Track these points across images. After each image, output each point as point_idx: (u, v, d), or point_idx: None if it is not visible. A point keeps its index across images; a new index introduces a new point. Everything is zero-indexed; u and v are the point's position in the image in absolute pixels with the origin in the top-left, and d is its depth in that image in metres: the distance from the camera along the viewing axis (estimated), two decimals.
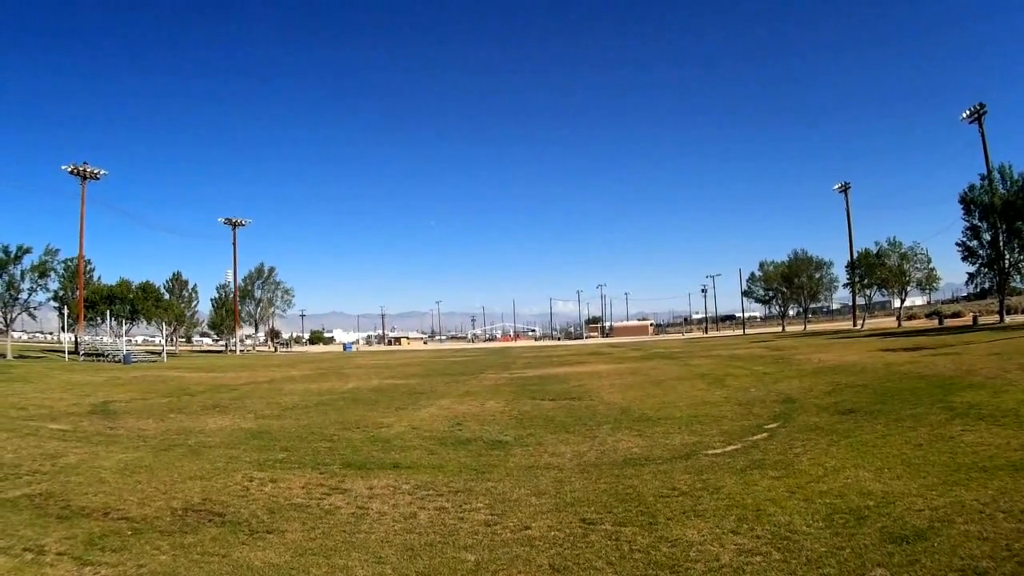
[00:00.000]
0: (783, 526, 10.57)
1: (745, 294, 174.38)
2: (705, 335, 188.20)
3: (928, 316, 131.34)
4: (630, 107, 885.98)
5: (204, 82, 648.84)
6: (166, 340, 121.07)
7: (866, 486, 12.58)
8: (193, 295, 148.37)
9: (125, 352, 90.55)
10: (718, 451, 17.26)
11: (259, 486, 15.25)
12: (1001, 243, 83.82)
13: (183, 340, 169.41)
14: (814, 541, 9.78)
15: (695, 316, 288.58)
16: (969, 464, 13.49)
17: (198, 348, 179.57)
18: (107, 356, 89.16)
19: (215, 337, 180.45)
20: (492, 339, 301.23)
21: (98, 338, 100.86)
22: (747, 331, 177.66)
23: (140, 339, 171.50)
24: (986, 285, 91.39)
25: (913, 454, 14.95)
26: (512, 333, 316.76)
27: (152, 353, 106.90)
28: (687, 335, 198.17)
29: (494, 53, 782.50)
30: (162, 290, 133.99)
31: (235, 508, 13.29)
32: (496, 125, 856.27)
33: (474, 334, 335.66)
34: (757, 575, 8.77)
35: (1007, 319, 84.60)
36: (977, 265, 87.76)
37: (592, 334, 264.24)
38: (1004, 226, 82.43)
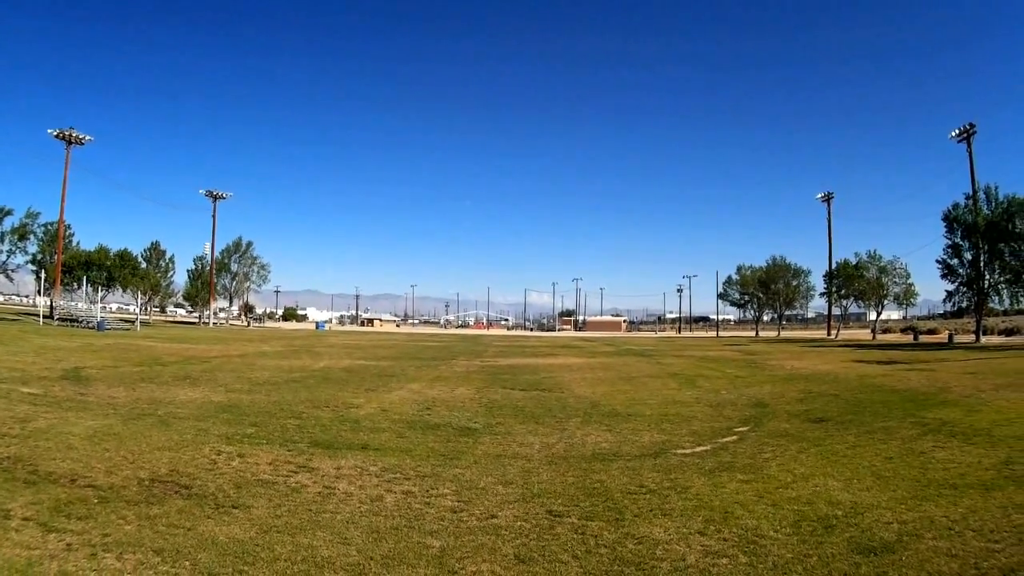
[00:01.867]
0: (750, 530, 10.57)
1: (720, 297, 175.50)
2: (678, 335, 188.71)
3: (903, 331, 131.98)
4: (616, 105, 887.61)
5: (192, 55, 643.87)
6: (141, 309, 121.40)
7: (835, 495, 12.61)
8: (170, 265, 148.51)
9: (100, 319, 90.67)
10: (687, 451, 17.28)
11: (227, 460, 15.18)
12: (982, 263, 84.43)
13: (157, 310, 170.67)
14: (781, 547, 9.79)
15: (669, 315, 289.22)
16: (940, 480, 13.54)
17: (172, 319, 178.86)
18: (81, 322, 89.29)
19: (189, 308, 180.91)
20: (465, 326, 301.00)
21: (73, 303, 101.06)
22: (720, 334, 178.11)
23: (115, 307, 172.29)
24: (964, 304, 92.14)
25: (883, 466, 15.00)
26: (485, 321, 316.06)
27: (126, 321, 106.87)
28: (660, 334, 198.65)
29: (479, 40, 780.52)
30: (139, 259, 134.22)
31: (202, 481, 13.23)
32: (479, 114, 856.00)
33: (447, 320, 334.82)
34: None
35: (983, 339, 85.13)
36: (956, 283, 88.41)
37: (565, 327, 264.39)
38: (986, 246, 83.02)
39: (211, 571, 8.69)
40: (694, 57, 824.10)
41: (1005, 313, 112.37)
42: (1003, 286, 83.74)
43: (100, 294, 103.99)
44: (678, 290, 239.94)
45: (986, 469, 14.37)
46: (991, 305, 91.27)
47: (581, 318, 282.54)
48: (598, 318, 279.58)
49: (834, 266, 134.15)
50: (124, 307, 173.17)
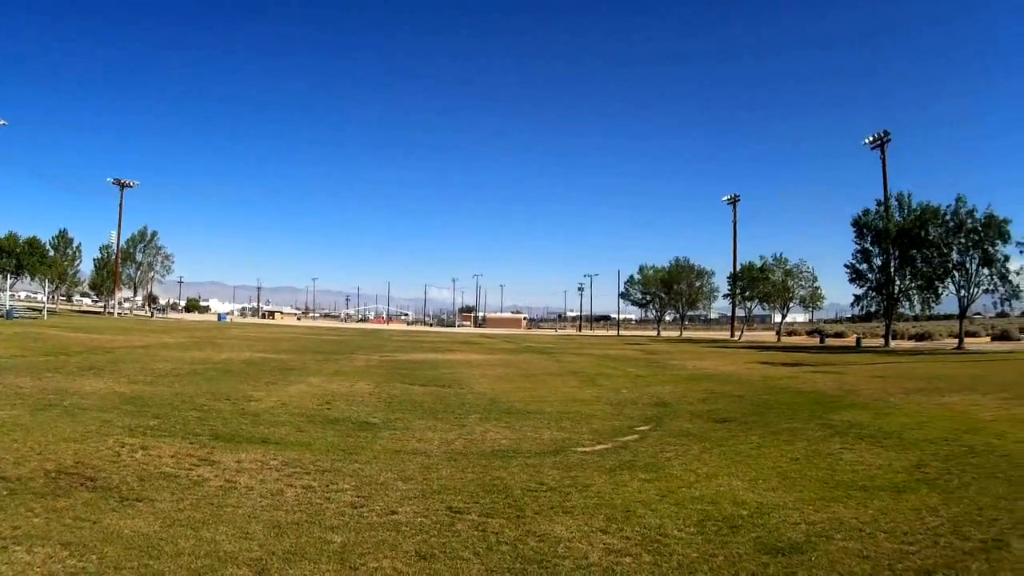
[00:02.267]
0: (654, 529, 10.54)
1: (622, 296, 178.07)
2: (579, 333, 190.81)
3: (809, 333, 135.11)
4: (516, 100, 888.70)
5: (96, 41, 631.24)
6: (48, 298, 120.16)
7: (740, 495, 12.66)
8: (77, 254, 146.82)
9: (8, 307, 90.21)
10: (588, 449, 17.30)
11: (130, 452, 15.04)
12: (892, 269, 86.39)
13: (64, 299, 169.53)
14: (686, 546, 9.74)
15: (570, 313, 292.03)
16: (848, 482, 13.68)
17: (78, 308, 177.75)
18: None
19: (95, 298, 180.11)
20: (365, 320, 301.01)
21: None
22: (622, 333, 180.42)
23: (23, 295, 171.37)
24: (872, 308, 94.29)
25: (789, 467, 15.14)
26: (385, 316, 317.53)
27: (34, 310, 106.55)
28: (560, 332, 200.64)
29: (386, 29, 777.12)
30: (47, 247, 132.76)
31: (107, 473, 13.08)
32: (380, 107, 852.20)
33: (347, 314, 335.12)
34: None
35: (893, 344, 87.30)
36: (865, 288, 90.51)
37: (465, 323, 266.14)
38: (897, 252, 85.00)
39: (117, 565, 8.55)
40: (600, 52, 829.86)
41: (916, 319, 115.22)
42: (914, 292, 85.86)
43: (8, 282, 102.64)
44: (579, 288, 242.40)
45: (897, 472, 14.57)
46: (902, 311, 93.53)
47: (481, 314, 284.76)
48: (498, 315, 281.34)
49: (739, 268, 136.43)
50: (32, 295, 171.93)
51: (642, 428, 20.70)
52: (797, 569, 8.86)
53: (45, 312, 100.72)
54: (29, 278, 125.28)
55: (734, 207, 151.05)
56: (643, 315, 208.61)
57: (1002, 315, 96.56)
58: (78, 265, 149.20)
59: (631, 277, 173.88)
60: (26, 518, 10.14)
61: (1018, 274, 76.62)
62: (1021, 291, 77.52)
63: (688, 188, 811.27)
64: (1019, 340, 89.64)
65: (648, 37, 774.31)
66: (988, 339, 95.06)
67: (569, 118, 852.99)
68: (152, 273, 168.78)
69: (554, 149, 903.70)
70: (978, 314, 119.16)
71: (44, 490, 11.67)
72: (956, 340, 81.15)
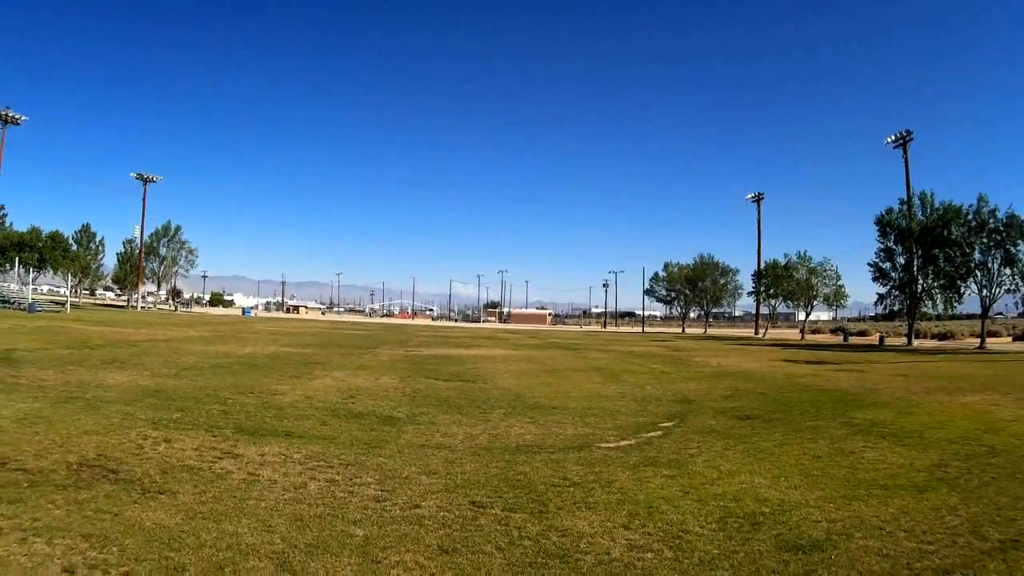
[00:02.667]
0: (675, 525, 10.55)
1: (647, 293, 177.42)
2: (603, 329, 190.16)
3: (833, 332, 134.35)
4: (544, 99, 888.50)
5: (123, 38, 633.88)
6: (71, 291, 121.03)
7: (762, 493, 12.65)
8: (100, 248, 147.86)
9: (31, 300, 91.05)
10: (611, 445, 17.30)
11: (153, 445, 15.07)
12: (915, 268, 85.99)
13: (87, 292, 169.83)
14: (707, 543, 9.76)
15: (595, 310, 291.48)
16: (870, 481, 13.65)
17: (101, 301, 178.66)
18: (12, 303, 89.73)
19: (118, 292, 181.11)
20: (390, 315, 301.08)
21: (5, 285, 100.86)
22: (646, 330, 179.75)
23: (46, 288, 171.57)
24: (896, 307, 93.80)
25: (811, 465, 15.10)
26: (410, 311, 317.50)
27: (56, 303, 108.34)
28: (585, 328, 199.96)
29: (404, 22, 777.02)
30: (70, 241, 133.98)
31: (129, 466, 13.11)
32: (407, 105, 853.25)
33: (372, 308, 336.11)
34: (648, 572, 8.71)
35: (915, 343, 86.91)
36: (888, 287, 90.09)
37: (490, 318, 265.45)
38: (920, 251, 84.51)
39: (138, 557, 8.57)
40: (624, 51, 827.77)
41: (939, 318, 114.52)
42: (937, 291, 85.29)
43: (32, 276, 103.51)
44: (604, 285, 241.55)
45: (918, 471, 14.51)
46: (924, 310, 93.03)
47: (506, 310, 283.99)
48: (523, 310, 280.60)
49: (763, 266, 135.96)
50: (55, 289, 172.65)
51: (666, 424, 20.68)
52: (817, 567, 8.86)
53: (68, 306, 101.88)
54: (52, 272, 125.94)
55: (758, 205, 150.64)
56: (668, 312, 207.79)
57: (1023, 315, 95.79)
58: (101, 259, 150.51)
59: (656, 274, 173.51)
60: (47, 510, 10.20)
61: None
62: None
63: (712, 187, 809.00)
64: None
65: (679, 34, 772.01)
66: (1010, 339, 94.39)
67: (596, 116, 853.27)
68: (176, 267, 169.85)
69: (581, 147, 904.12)
70: (1000, 314, 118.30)
71: (66, 482, 11.73)
72: (978, 340, 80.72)
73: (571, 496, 12.19)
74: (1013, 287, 77.23)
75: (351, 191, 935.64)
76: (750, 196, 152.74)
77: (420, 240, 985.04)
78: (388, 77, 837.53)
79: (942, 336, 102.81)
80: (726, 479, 13.74)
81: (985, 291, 79.10)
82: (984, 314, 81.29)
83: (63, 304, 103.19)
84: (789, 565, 8.93)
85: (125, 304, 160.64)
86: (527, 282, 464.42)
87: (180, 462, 13.66)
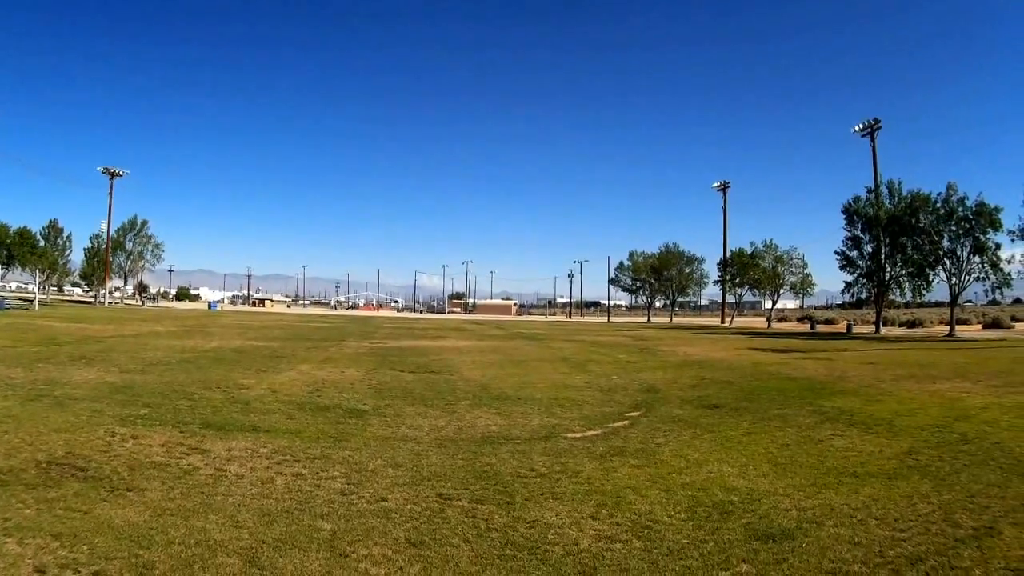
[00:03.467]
0: (644, 515, 10.56)
1: (612, 282, 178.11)
2: (569, 319, 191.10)
3: (800, 320, 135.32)
4: (505, 85, 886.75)
5: (86, 29, 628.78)
6: (39, 288, 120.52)
7: (730, 482, 12.70)
8: (67, 244, 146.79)
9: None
10: (578, 435, 17.36)
11: (121, 442, 15.12)
12: (883, 256, 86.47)
13: (55, 289, 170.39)
14: (676, 532, 9.77)
15: (560, 300, 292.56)
16: (839, 468, 13.71)
17: (69, 298, 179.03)
18: None
19: (86, 288, 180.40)
20: (355, 307, 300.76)
21: None
22: (612, 319, 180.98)
23: (14, 285, 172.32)
24: (863, 295, 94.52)
25: (780, 454, 15.18)
26: (375, 303, 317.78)
27: (24, 300, 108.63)
28: (550, 318, 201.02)
29: (380, 17, 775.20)
30: (38, 237, 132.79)
31: (97, 463, 13.16)
32: (368, 94, 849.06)
33: (337, 301, 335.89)
34: (617, 563, 8.69)
35: (883, 331, 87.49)
36: (856, 275, 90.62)
37: (455, 310, 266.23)
38: (887, 239, 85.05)
39: (107, 555, 8.58)
40: (589, 39, 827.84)
41: (907, 305, 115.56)
42: (905, 279, 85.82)
43: (0, 273, 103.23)
44: (569, 275, 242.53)
45: (888, 458, 14.58)
46: (893, 297, 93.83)
47: (471, 301, 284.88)
48: (488, 301, 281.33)
49: (729, 254, 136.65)
50: (23, 286, 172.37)
51: (632, 414, 20.75)
52: (788, 555, 8.86)
53: (36, 303, 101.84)
54: (20, 269, 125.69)
55: (724, 194, 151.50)
56: (633, 301, 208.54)
57: (993, 303, 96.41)
58: (69, 255, 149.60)
59: (621, 263, 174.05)
60: (17, 510, 10.17)
61: (1009, 262, 76.76)
62: (1012, 279, 77.65)
63: (678, 175, 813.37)
64: (1010, 328, 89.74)
65: (639, 23, 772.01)
66: (979, 327, 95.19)
67: (558, 105, 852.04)
68: (142, 262, 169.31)
69: (544, 136, 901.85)
70: (969, 302, 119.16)
71: (35, 481, 11.71)
72: (947, 327, 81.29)
73: (538, 487, 12.21)
74: (983, 275, 77.78)
75: (316, 183, 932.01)
76: (716, 185, 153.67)
77: (385, 232, 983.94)
78: (350, 69, 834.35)
79: (911, 324, 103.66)
80: (694, 468, 13.79)
81: (954, 279, 79.65)
82: (953, 302, 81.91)
83: (31, 301, 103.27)
84: (760, 554, 8.94)
85: (93, 300, 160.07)
86: (492, 273, 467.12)
87: (148, 459, 13.69)
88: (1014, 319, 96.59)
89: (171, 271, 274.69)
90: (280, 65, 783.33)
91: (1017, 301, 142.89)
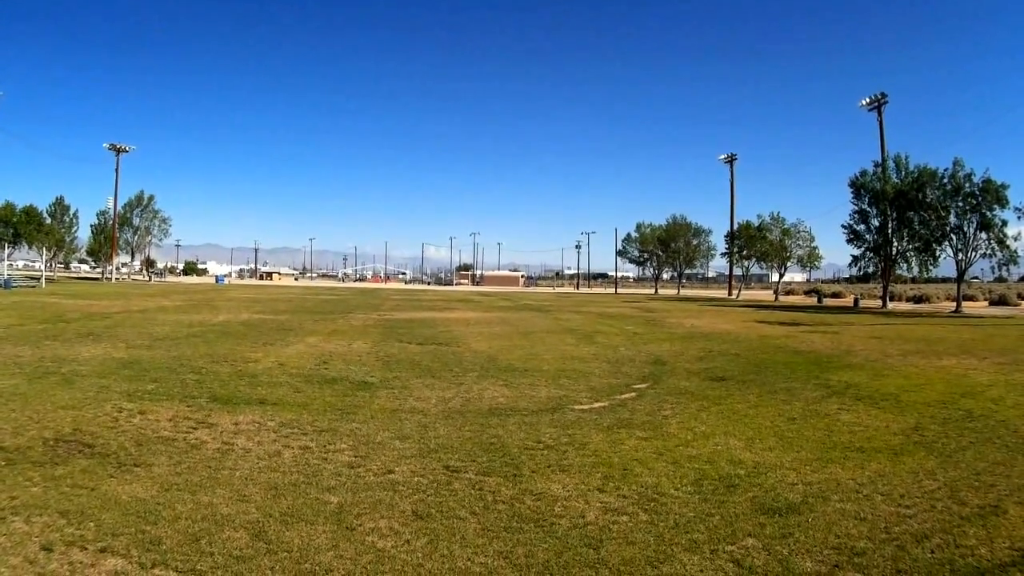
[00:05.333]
0: (650, 487, 10.58)
1: (619, 254, 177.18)
2: (576, 291, 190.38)
3: (807, 293, 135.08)
4: (515, 59, 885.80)
5: (92, 4, 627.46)
6: (46, 266, 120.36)
7: (736, 455, 12.72)
8: (74, 221, 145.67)
9: (6, 276, 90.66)
10: (585, 407, 17.37)
11: (128, 417, 15.11)
12: (890, 230, 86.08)
13: (62, 266, 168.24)
14: (682, 505, 9.78)
15: (567, 271, 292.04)
16: (845, 443, 13.72)
17: (76, 274, 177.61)
18: None
19: (93, 264, 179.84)
20: (362, 279, 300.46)
21: None
22: (619, 291, 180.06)
23: (21, 263, 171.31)
24: (870, 269, 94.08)
25: (787, 427, 15.20)
26: (383, 275, 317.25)
27: (32, 278, 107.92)
28: (558, 289, 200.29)
29: None
30: (44, 215, 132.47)
31: (104, 439, 13.15)
32: (377, 67, 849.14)
33: (345, 273, 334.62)
34: (624, 535, 8.69)
35: (890, 305, 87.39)
36: (863, 249, 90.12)
37: (462, 281, 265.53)
38: (895, 214, 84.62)
39: (114, 532, 8.58)
40: (598, 12, 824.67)
41: (914, 280, 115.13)
42: (911, 254, 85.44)
43: (6, 251, 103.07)
44: (577, 246, 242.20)
45: (894, 434, 14.59)
46: (900, 272, 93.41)
47: (478, 272, 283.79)
48: (496, 273, 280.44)
49: (736, 227, 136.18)
50: (30, 264, 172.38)
51: (639, 386, 20.78)
52: (794, 530, 8.87)
53: (43, 280, 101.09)
54: (27, 247, 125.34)
55: (731, 166, 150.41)
56: (640, 273, 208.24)
57: (1000, 280, 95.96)
58: (75, 232, 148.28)
59: (628, 235, 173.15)
60: (24, 488, 10.18)
61: (1016, 239, 76.39)
62: (1019, 256, 77.34)
63: (686, 148, 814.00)
64: (1017, 305, 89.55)
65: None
66: (986, 303, 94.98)
67: (566, 76, 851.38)
68: (149, 237, 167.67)
69: (551, 108, 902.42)
70: (976, 278, 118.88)
71: (43, 459, 11.72)
72: (954, 303, 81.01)
73: (545, 459, 12.24)
74: (989, 251, 77.36)
75: (323, 156, 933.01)
76: (723, 157, 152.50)
77: (393, 204, 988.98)
78: (356, 43, 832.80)
79: (917, 299, 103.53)
80: (700, 441, 13.81)
81: (960, 255, 79.18)
82: (960, 278, 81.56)
83: (38, 279, 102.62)
84: (766, 528, 8.94)
85: (100, 276, 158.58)
86: (499, 244, 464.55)
87: (155, 434, 13.70)
88: (1021, 297, 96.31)
89: (178, 246, 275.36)
90: (287, 40, 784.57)
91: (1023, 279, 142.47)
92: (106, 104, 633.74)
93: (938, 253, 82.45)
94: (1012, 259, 76.91)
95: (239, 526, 8.82)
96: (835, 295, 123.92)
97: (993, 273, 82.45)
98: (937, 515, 9.51)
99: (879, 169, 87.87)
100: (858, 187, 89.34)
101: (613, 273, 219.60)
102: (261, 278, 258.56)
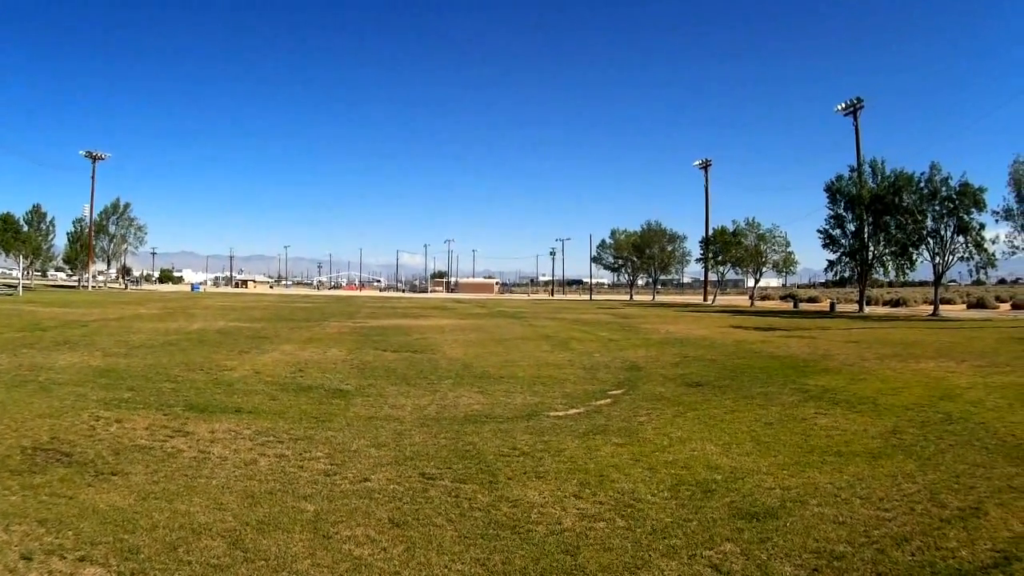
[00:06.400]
0: (627, 493, 10.58)
1: (594, 260, 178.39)
2: (551, 297, 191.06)
3: (783, 298, 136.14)
4: (488, 64, 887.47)
5: (69, 10, 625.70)
6: (23, 273, 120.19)
7: (713, 460, 12.75)
8: (51, 229, 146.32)
9: None
10: (560, 413, 17.40)
11: (105, 426, 15.08)
12: (866, 234, 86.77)
13: (39, 274, 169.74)
14: (659, 511, 9.78)
15: (542, 278, 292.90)
16: (823, 447, 13.77)
17: (53, 282, 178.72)
18: None
19: (69, 272, 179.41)
20: (337, 287, 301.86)
21: None
22: (594, 297, 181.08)
23: None
24: (846, 274, 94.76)
25: (763, 432, 15.25)
26: (358, 282, 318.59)
27: (9, 286, 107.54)
28: (533, 296, 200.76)
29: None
30: (21, 222, 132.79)
31: (82, 448, 13.13)
32: (350, 71, 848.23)
33: (320, 281, 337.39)
34: (601, 542, 8.69)
35: (867, 309, 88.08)
36: (839, 253, 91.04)
37: (437, 288, 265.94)
38: (871, 219, 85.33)
39: (93, 541, 8.57)
40: (573, 16, 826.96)
41: (891, 285, 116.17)
42: (888, 258, 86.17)
43: None
44: (551, 253, 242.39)
45: (872, 437, 14.67)
46: (876, 276, 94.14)
47: (453, 280, 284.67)
48: (470, 280, 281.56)
49: (711, 232, 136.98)
50: (7, 271, 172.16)
51: (615, 392, 20.81)
52: (772, 534, 8.88)
53: (20, 288, 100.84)
54: (4, 254, 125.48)
55: (706, 172, 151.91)
56: (615, 279, 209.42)
57: (978, 283, 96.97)
58: (52, 240, 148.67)
59: (603, 241, 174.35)
60: (3, 496, 10.15)
61: (993, 243, 77.04)
62: (997, 259, 77.94)
63: (661, 153, 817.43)
64: (995, 308, 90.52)
65: (622, 2, 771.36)
66: (964, 306, 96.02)
67: (541, 83, 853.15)
68: (125, 245, 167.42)
69: (526, 114, 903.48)
70: (953, 281, 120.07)
71: (21, 467, 11.68)
72: (931, 307, 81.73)
73: (521, 466, 12.24)
74: (967, 255, 78.16)
75: (298, 164, 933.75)
76: (698, 163, 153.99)
77: (367, 212, 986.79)
78: (329, 49, 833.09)
79: (894, 303, 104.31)
80: (677, 446, 13.84)
81: (938, 259, 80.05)
82: (937, 281, 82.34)
83: (15, 287, 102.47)
84: (744, 533, 8.96)
85: (77, 284, 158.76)
86: (474, 251, 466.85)
87: (132, 442, 13.67)
88: (999, 299, 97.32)
89: (154, 253, 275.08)
90: (260, 47, 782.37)
91: (1002, 282, 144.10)
92: (82, 111, 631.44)
93: (915, 257, 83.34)
94: (990, 262, 77.76)
95: (216, 534, 8.80)
96: (811, 300, 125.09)
97: (971, 276, 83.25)
98: (917, 518, 9.55)
99: (855, 174, 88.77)
100: (834, 192, 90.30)
101: (588, 279, 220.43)
102: (236, 286, 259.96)
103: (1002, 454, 13.19)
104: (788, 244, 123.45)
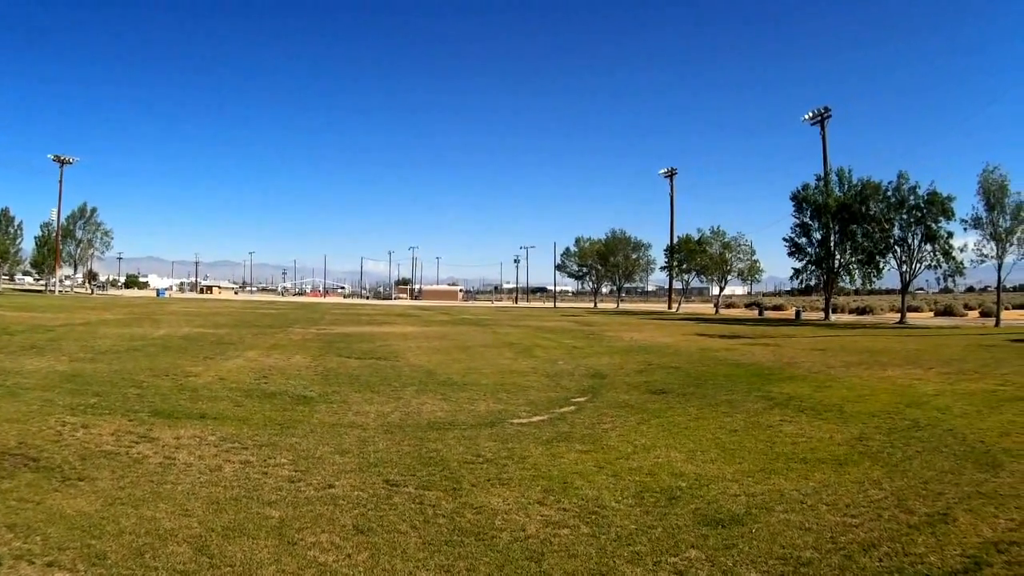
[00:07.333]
0: (591, 500, 10.61)
1: (558, 268, 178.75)
2: (515, 305, 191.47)
3: (748, 306, 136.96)
4: (451, 70, 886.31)
5: (35, 12, 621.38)
6: None
7: (678, 467, 12.79)
8: (18, 233, 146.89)
9: None
10: (524, 420, 17.44)
11: (72, 431, 15.10)
12: (832, 243, 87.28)
13: (6, 278, 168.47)
14: (624, 518, 9.81)
15: (506, 285, 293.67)
16: (788, 454, 13.85)
17: (20, 287, 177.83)
18: None
19: (36, 276, 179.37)
20: (302, 293, 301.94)
21: None
22: (558, 305, 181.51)
23: None
24: (812, 282, 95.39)
25: (728, 439, 15.31)
26: (322, 289, 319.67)
27: None
28: (497, 304, 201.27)
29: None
30: None
31: (49, 453, 13.18)
32: (314, 78, 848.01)
33: (284, 287, 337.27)
34: (565, 548, 8.71)
35: (833, 317, 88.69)
36: (804, 262, 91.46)
37: (401, 295, 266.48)
38: (837, 227, 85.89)
39: (61, 546, 8.61)
40: (539, 21, 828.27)
41: (857, 293, 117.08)
42: (855, 266, 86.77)
43: None
44: (515, 261, 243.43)
45: (838, 444, 14.77)
46: (842, 285, 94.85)
47: (417, 287, 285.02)
48: (434, 287, 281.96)
49: (676, 240, 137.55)
50: None
51: (579, 399, 20.88)
52: (737, 541, 8.92)
53: None
54: None
55: (671, 180, 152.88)
56: (580, 287, 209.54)
57: (946, 291, 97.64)
58: (20, 243, 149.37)
59: (567, 249, 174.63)
60: None
61: (962, 251, 77.69)
62: (965, 268, 78.61)
63: (626, 161, 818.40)
64: (963, 316, 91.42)
65: (586, 6, 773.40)
66: (931, 314, 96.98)
67: (504, 90, 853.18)
68: (92, 250, 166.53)
69: (490, 122, 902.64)
70: (920, 289, 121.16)
71: None
72: (898, 315, 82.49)
73: (485, 473, 12.27)
74: (934, 263, 78.83)
75: (262, 170, 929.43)
76: (663, 171, 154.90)
77: (331, 218, 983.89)
78: (291, 54, 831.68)
79: (861, 311, 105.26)
80: (641, 454, 13.89)
81: (905, 267, 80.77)
82: (904, 289, 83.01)
83: None
84: (709, 539, 8.99)
85: (43, 288, 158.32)
86: (438, 259, 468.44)
87: (98, 448, 13.71)
88: (967, 307, 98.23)
89: (120, 258, 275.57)
90: (224, 53, 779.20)
91: (971, 290, 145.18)
92: (51, 114, 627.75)
93: (882, 265, 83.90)
94: (958, 270, 78.52)
95: (182, 540, 8.83)
96: (776, 308, 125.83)
97: (939, 284, 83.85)
98: (884, 524, 9.61)
99: (822, 183, 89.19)
100: (800, 200, 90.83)
101: (552, 287, 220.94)
102: (201, 292, 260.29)
103: (971, 460, 13.28)
104: (753, 252, 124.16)
